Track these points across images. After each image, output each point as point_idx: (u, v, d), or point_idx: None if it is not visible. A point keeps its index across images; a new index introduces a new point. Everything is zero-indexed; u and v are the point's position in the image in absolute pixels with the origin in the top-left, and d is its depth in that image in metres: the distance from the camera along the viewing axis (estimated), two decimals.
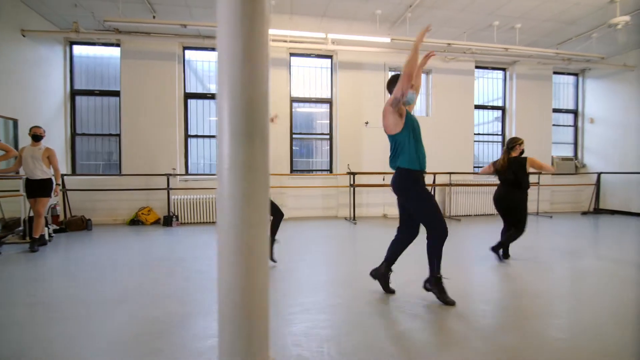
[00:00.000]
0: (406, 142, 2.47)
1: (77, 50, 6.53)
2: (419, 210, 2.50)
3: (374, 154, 7.19)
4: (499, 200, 3.87)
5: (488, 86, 8.34)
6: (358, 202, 7.04)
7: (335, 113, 7.31)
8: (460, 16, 5.94)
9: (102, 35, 6.01)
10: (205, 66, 7.09)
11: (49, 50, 5.95)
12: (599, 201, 7.91)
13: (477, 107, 8.04)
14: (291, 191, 7.07)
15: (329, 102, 7.42)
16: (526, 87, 8.07)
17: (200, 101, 6.99)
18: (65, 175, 6.14)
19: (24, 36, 5.24)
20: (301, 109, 7.44)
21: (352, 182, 6.75)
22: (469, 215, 7.49)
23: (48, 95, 5.91)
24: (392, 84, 2.61)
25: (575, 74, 8.68)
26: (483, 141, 8.25)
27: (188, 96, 6.88)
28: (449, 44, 6.04)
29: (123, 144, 6.46)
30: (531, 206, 7.78)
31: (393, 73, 6.75)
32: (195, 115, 7.01)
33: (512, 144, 3.94)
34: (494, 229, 4.79)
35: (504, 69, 8.21)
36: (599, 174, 7.84)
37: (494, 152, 8.29)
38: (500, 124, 8.30)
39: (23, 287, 2.93)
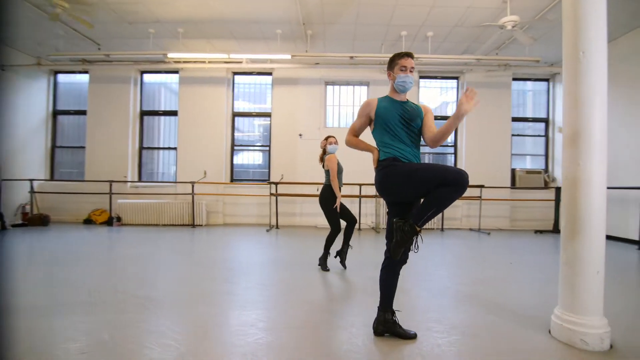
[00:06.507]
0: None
1: None
2: None
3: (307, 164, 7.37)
4: None
5: (436, 96, 8.05)
6: (290, 212, 7.33)
7: (273, 126, 7.73)
8: (363, 30, 6.03)
9: None
10: None
11: None
12: (559, 219, 6.96)
13: None
14: (229, 199, 7.63)
15: (269, 115, 7.89)
16: (480, 95, 7.59)
17: None
18: None
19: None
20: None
21: (274, 192, 7.06)
22: None
23: None
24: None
25: (546, 79, 7.89)
26: (431, 152, 7.93)
27: None
28: (351, 56, 6.14)
29: None
30: (472, 221, 7.24)
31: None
32: None
33: None
34: None
35: (456, 78, 7.86)
36: (557, 188, 6.92)
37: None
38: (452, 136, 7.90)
39: None
